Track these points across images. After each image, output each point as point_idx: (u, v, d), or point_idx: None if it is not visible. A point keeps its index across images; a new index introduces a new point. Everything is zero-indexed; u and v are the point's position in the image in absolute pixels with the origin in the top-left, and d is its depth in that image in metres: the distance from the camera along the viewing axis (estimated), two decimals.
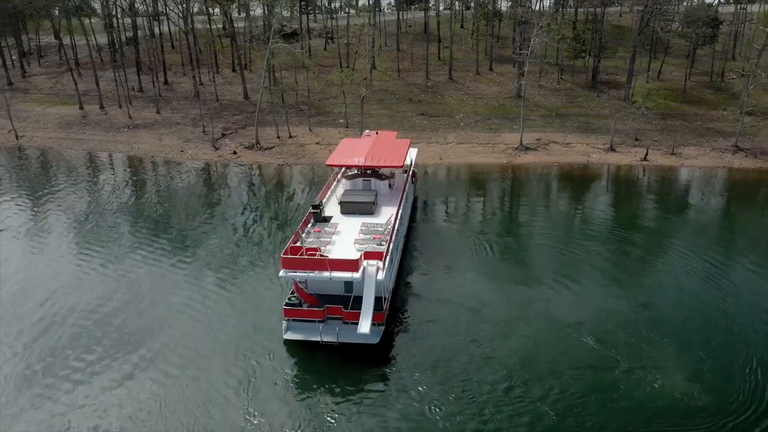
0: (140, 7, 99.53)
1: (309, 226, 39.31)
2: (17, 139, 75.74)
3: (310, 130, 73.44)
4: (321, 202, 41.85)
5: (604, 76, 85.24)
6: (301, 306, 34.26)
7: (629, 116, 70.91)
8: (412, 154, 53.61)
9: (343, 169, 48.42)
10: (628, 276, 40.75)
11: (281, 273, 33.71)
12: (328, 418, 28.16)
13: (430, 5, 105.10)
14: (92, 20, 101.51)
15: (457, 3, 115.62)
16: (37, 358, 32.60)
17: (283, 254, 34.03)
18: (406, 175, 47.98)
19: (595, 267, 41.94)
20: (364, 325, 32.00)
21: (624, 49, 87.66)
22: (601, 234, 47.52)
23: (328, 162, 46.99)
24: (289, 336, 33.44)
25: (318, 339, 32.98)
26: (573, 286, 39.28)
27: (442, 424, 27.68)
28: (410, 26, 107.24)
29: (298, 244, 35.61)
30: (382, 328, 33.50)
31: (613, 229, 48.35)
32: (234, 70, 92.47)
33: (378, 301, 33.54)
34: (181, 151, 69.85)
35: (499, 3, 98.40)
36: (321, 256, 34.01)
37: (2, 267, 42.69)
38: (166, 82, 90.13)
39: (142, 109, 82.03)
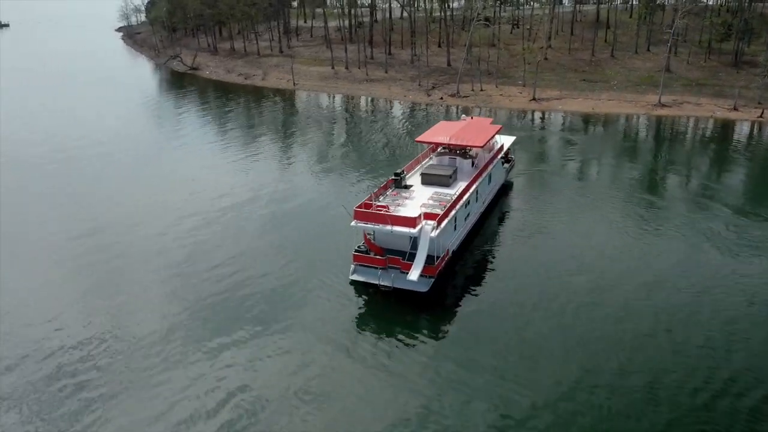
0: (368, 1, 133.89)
1: (389, 190, 44.15)
2: (294, 85, 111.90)
3: (496, 86, 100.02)
4: (403, 171, 46.15)
5: (748, 58, 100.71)
6: (368, 254, 38.98)
7: (760, 87, 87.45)
8: (507, 140, 57.15)
9: (439, 148, 51.97)
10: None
11: (352, 223, 38.41)
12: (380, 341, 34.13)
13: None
14: (335, 9, 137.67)
15: None
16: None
17: (356, 207, 38.66)
18: (492, 157, 51.10)
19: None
20: (414, 274, 35.86)
21: None
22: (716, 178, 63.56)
23: (417, 139, 51.37)
24: (355, 277, 38.48)
25: (377, 282, 37.82)
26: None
27: (466, 364, 31.62)
28: (585, 16, 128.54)
29: (372, 202, 40.20)
30: (432, 280, 37.23)
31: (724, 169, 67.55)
32: (439, 46, 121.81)
33: (431, 258, 37.40)
34: (404, 96, 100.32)
35: None
36: (386, 212, 38.54)
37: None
38: (389, 53, 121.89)
39: (374, 70, 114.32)
